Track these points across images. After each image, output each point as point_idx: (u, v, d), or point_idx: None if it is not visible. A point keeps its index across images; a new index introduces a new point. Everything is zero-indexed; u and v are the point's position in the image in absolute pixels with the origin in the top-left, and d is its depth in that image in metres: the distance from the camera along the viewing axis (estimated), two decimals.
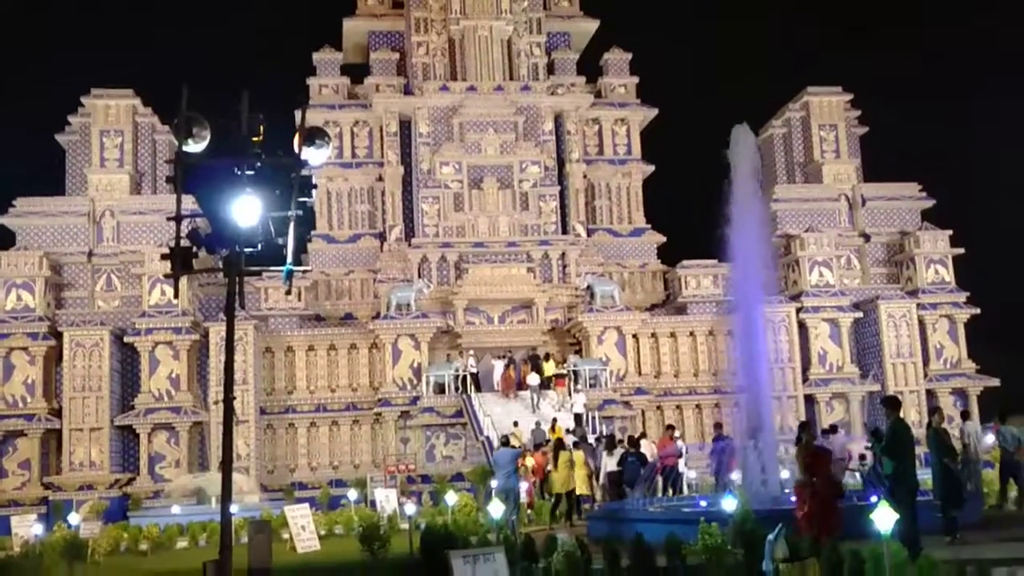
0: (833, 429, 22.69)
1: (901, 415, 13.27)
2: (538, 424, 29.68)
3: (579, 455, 21.77)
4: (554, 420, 29.71)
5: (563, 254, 38.83)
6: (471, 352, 35.82)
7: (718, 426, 26.00)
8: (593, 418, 31.52)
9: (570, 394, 32.96)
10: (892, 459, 12.63)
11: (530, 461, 25.23)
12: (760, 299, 19.67)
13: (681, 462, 22.87)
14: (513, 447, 21.73)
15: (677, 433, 24.55)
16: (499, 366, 34.50)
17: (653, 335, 37.54)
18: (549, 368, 34.17)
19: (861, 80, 44.87)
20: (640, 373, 36.83)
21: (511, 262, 38.09)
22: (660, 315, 38.80)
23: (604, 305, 36.16)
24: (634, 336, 36.80)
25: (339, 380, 36.17)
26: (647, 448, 23.82)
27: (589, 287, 36.72)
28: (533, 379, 33.18)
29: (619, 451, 22.11)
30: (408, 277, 37.95)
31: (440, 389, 34.52)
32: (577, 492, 21.48)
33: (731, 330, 28.97)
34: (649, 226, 41.76)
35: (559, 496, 21.37)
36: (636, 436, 25.70)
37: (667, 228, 41.64)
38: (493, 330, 36.95)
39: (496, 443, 28.97)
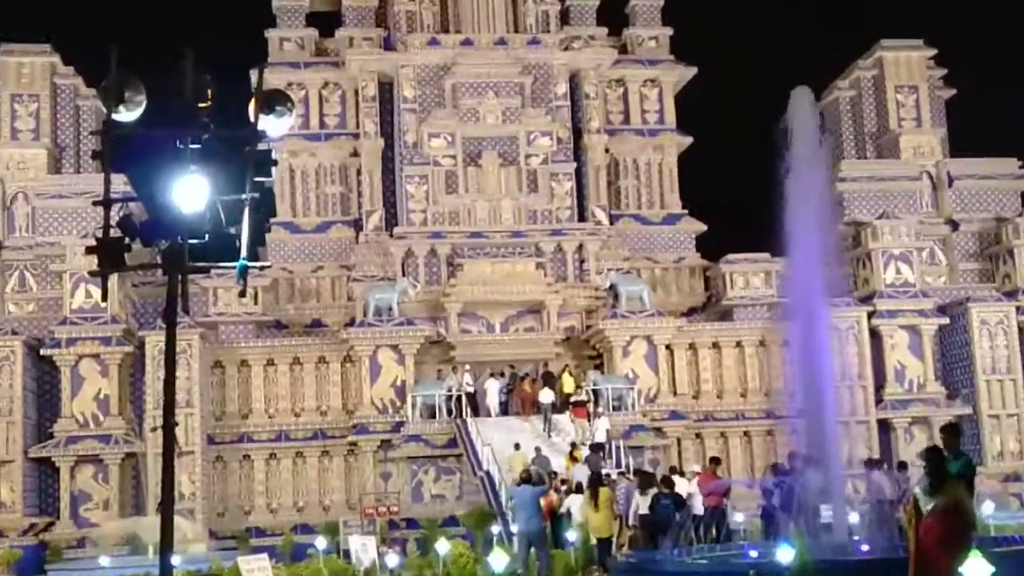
0: (876, 464, 23.15)
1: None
2: (538, 451, 30.12)
3: (604, 491, 22.24)
4: (572, 446, 30.29)
5: (580, 246, 39.26)
6: (467, 367, 36.05)
7: (792, 456, 25.73)
8: (617, 448, 31.87)
9: (589, 419, 33.38)
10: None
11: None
12: (823, 302, 19.62)
13: (727, 502, 23.19)
14: (537, 483, 22.40)
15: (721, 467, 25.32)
16: (493, 387, 35.13)
17: (691, 346, 37.92)
18: (568, 384, 34.77)
19: (947, 32, 44.01)
20: (675, 393, 37.19)
21: (516, 256, 38.52)
22: (700, 321, 39.27)
23: (631, 309, 36.65)
24: (668, 347, 37.20)
25: (305, 402, 36.56)
26: (683, 486, 24.28)
27: (612, 287, 37.15)
28: (546, 396, 33.77)
29: (654, 491, 22.47)
30: (390, 275, 38.21)
31: (430, 413, 35.00)
32: (599, 536, 22.05)
33: (787, 340, 28.67)
34: (686, 212, 42.19)
35: (602, 543, 21.78)
36: (670, 471, 26.36)
37: (708, 214, 41.95)
38: (494, 340, 37.36)
39: (498, 477, 30.07)
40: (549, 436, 32.95)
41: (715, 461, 24.33)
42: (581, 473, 28.03)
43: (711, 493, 22.47)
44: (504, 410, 35.19)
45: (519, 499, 21.13)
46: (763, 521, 21.23)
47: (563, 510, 24.11)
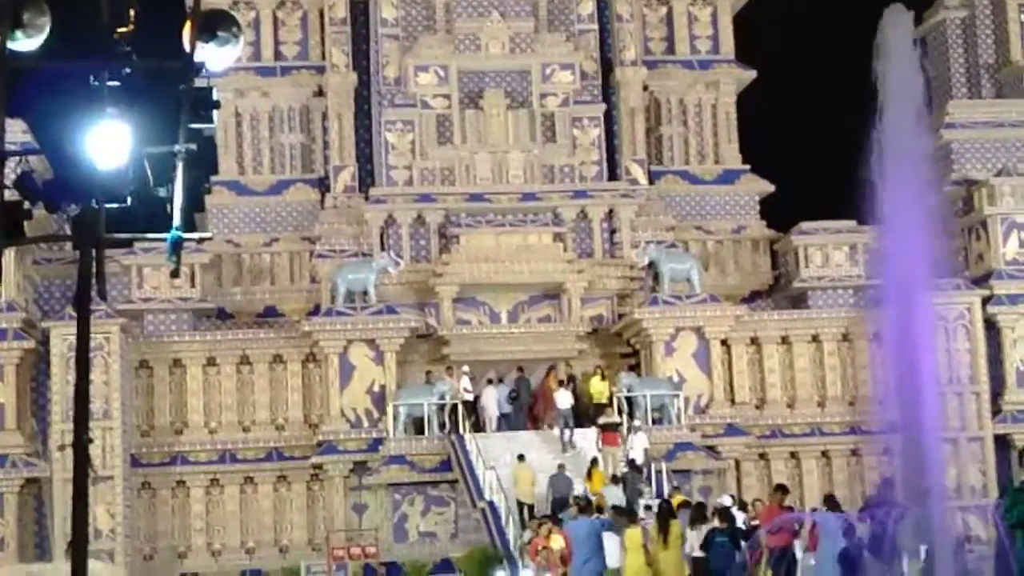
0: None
1: None
2: (561, 468, 30.77)
3: (634, 534, 22.49)
4: (593, 461, 31.11)
5: (610, 213, 39.34)
6: (465, 369, 36.26)
7: (884, 483, 25.58)
8: (658, 473, 32.36)
9: (622, 435, 33.91)
10: None
11: (557, 540, 25.61)
12: (925, 284, 19.66)
13: (798, 543, 23.02)
14: (597, 516, 23.39)
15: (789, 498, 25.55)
16: (491, 396, 35.75)
17: (754, 341, 38.11)
18: (598, 390, 35.23)
19: None
20: (733, 402, 37.46)
21: (528, 226, 38.69)
22: (765, 309, 39.53)
23: (676, 293, 36.77)
24: (723, 343, 37.34)
25: (256, 413, 36.92)
26: (741, 521, 24.88)
27: (652, 265, 37.24)
28: (564, 400, 34.47)
29: (707, 526, 23.23)
30: (365, 249, 38.33)
31: (416, 427, 35.34)
32: None
33: (878, 333, 29.50)
34: (748, 168, 42.21)
35: None
36: (727, 503, 26.70)
37: (776, 171, 41.80)
38: (499, 334, 37.60)
39: (503, 508, 30.73)
40: (571, 447, 33.83)
41: (782, 490, 24.56)
42: (612, 496, 28.86)
43: (777, 530, 22.63)
44: (508, 423, 35.81)
45: (574, 535, 21.82)
46: (842, 566, 21.20)
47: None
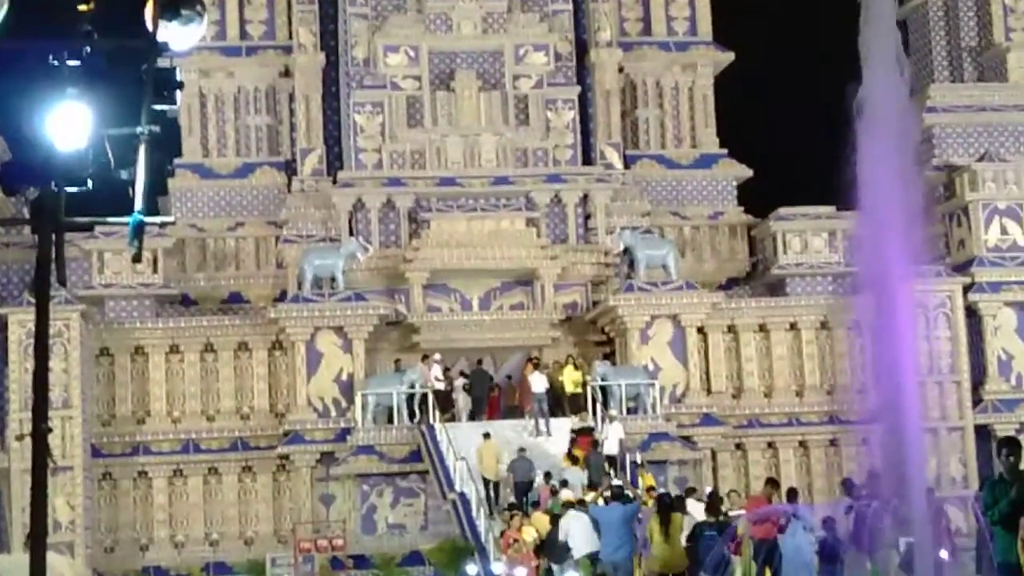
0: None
1: None
2: (522, 452, 31.05)
3: (678, 519, 22.76)
4: (572, 439, 31.74)
5: (585, 198, 39.40)
6: (436, 357, 36.36)
7: (869, 474, 24.43)
8: (633, 464, 32.48)
9: (600, 421, 34.22)
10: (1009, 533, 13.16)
11: (529, 532, 26.43)
12: (905, 271, 19.29)
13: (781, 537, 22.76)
14: (628, 499, 23.76)
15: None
16: (462, 385, 35.73)
17: (731, 329, 38.20)
18: (571, 379, 35.29)
19: None
20: (709, 391, 37.57)
21: (500, 211, 38.74)
22: (743, 296, 39.57)
23: (652, 280, 36.79)
24: (700, 330, 37.41)
25: (220, 402, 36.97)
26: (697, 512, 25.31)
27: (627, 251, 37.23)
28: (539, 383, 34.44)
29: (690, 519, 23.48)
30: (333, 234, 38.31)
31: (386, 417, 35.37)
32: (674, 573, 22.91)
33: (857, 321, 29.77)
34: (725, 152, 42.27)
35: None
36: (686, 493, 27.32)
37: (754, 156, 41.94)
38: (470, 321, 37.63)
39: (475, 499, 30.91)
40: (545, 433, 33.86)
41: (772, 484, 24.53)
42: (574, 477, 29.51)
43: (761, 521, 22.64)
44: (472, 415, 35.91)
45: (605, 520, 22.14)
46: (823, 559, 21.76)
47: (562, 536, 24.51)
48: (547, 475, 30.17)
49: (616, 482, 29.29)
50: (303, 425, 35.85)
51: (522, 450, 31.44)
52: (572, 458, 31.50)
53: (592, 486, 29.72)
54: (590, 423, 33.86)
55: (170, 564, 35.58)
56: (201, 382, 36.73)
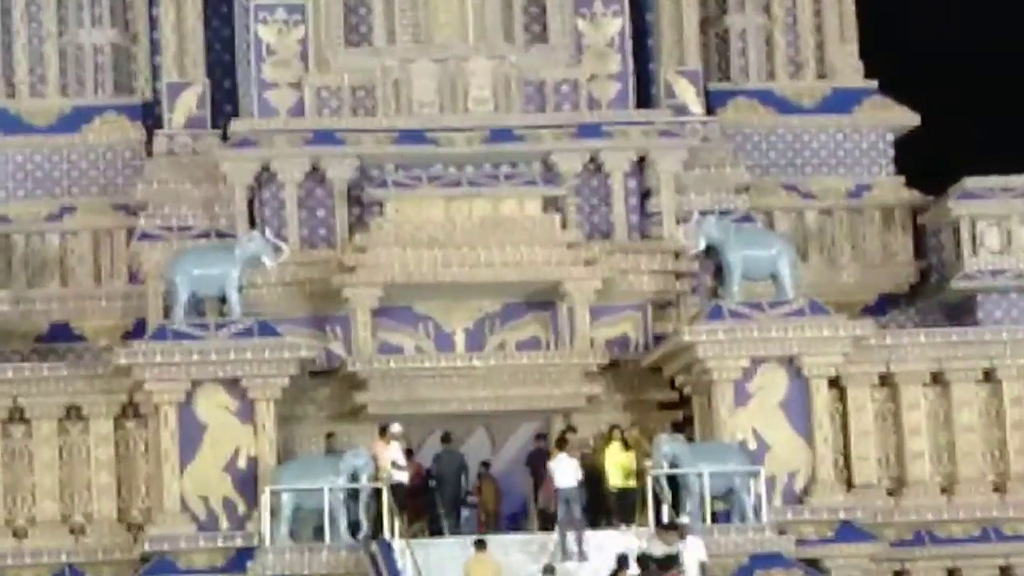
0: None
1: None
2: (550, 571, 27.51)
3: None
4: (619, 565, 27.22)
5: (641, 162, 33.67)
6: (396, 430, 30.69)
7: None
8: None
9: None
10: None
11: None
12: None
13: None
14: None
15: None
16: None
17: (885, 381, 32.73)
18: (618, 463, 30.72)
19: None
20: (850, 485, 31.87)
21: (500, 184, 33.45)
22: (906, 325, 34.53)
23: (753, 301, 32.10)
24: (834, 383, 32.02)
25: (36, 506, 31.31)
26: None
27: (712, 251, 32.14)
28: (565, 473, 29.97)
29: None
30: (223, 226, 33.70)
31: (312, 529, 30.45)
32: None
33: None
34: (875, 85, 36.76)
35: None
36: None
37: (922, 93, 36.70)
38: (451, 369, 32.41)
39: None
40: (576, 555, 29.01)
41: None
42: None
43: None
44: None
45: None
46: None
47: None
48: None
49: None
50: (173, 544, 29.89)
51: (550, 570, 27.12)
52: None
53: None
54: (666, 517, 29.48)
55: None
56: (4, 473, 31.36)
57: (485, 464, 32.91)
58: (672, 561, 28.08)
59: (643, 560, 27.93)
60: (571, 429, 31.88)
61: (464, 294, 32.50)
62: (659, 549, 28.33)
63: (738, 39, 36.72)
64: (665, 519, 29.46)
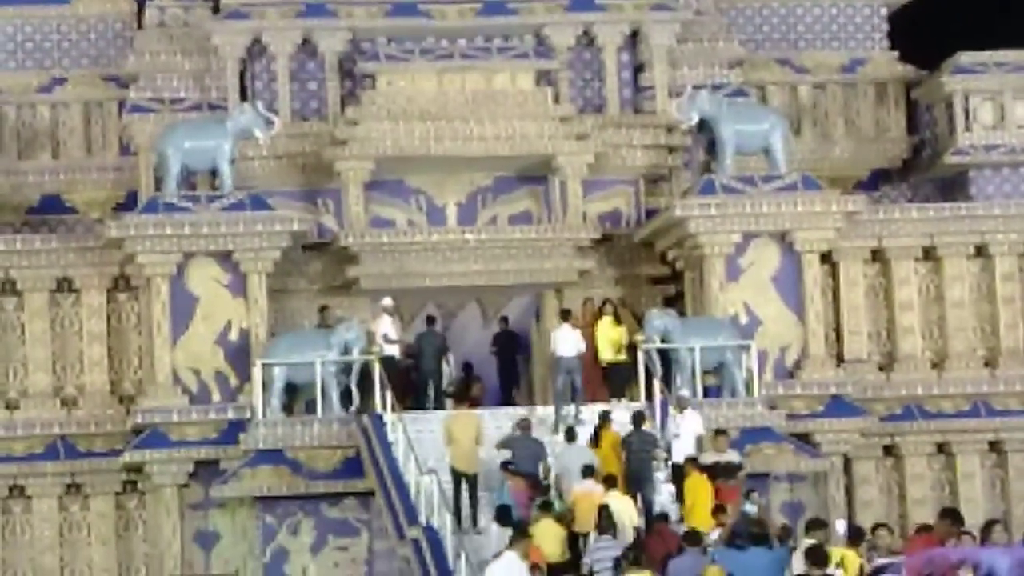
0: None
1: None
2: (525, 426, 27.99)
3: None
4: (602, 421, 28.16)
5: (634, 36, 34.31)
6: (387, 303, 31.98)
7: None
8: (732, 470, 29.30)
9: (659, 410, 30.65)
10: None
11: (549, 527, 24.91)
12: None
13: None
14: (762, 538, 22.56)
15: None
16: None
17: (878, 256, 33.37)
18: (609, 337, 31.32)
19: None
20: (841, 359, 32.62)
21: (493, 57, 33.96)
22: (898, 200, 35.52)
23: (746, 175, 32.55)
24: (826, 258, 32.70)
25: (28, 378, 32.15)
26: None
27: (705, 125, 32.59)
28: (566, 342, 30.70)
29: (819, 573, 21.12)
30: (215, 98, 34.04)
31: (304, 402, 31.64)
32: None
33: None
34: None
35: None
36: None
37: None
38: (443, 244, 33.15)
39: (451, 542, 26.69)
40: (574, 421, 29.62)
41: (951, 517, 22.28)
42: (580, 457, 27.07)
43: (919, 572, 20.36)
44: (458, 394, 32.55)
45: (741, 571, 21.46)
46: None
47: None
48: (587, 469, 26.34)
49: (749, 507, 26.44)
50: (165, 416, 30.74)
51: (524, 423, 27.77)
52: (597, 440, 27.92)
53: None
54: (733, 457, 28.67)
55: None
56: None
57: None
58: (735, 469, 28.35)
59: (637, 418, 28.24)
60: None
61: (456, 167, 33.21)
62: (710, 457, 28.84)
63: None
64: (655, 393, 30.08)
